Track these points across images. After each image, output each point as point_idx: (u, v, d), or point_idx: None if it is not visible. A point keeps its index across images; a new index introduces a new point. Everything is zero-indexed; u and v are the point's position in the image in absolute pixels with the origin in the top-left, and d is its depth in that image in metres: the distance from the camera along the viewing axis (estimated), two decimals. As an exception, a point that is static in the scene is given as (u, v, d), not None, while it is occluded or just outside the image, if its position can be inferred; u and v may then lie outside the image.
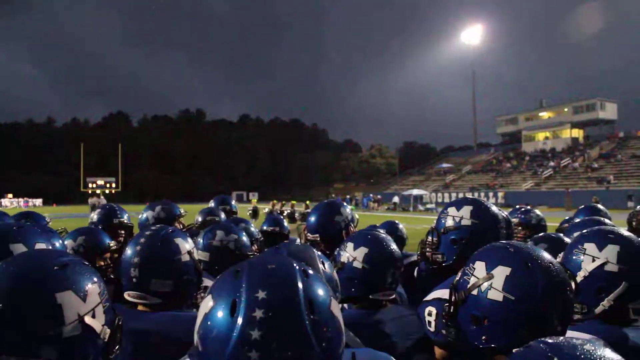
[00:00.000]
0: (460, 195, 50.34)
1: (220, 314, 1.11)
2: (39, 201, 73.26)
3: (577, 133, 67.21)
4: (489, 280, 1.63)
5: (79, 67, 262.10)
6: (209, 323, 1.13)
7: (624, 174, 48.68)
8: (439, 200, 53.63)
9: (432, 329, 1.86)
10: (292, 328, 1.09)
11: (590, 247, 2.07)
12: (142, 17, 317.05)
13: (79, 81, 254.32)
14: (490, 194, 50.48)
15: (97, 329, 1.36)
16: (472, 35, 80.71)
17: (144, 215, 4.26)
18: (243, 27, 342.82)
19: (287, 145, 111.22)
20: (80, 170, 70.77)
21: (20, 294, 1.27)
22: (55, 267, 1.34)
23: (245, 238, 3.33)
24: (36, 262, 1.37)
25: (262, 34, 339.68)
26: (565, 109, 68.99)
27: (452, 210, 2.67)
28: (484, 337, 1.63)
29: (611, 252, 2.02)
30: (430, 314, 1.87)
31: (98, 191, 63.74)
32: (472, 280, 1.68)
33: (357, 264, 2.51)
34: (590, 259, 2.05)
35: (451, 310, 1.72)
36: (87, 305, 1.34)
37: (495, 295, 1.61)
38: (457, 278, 1.80)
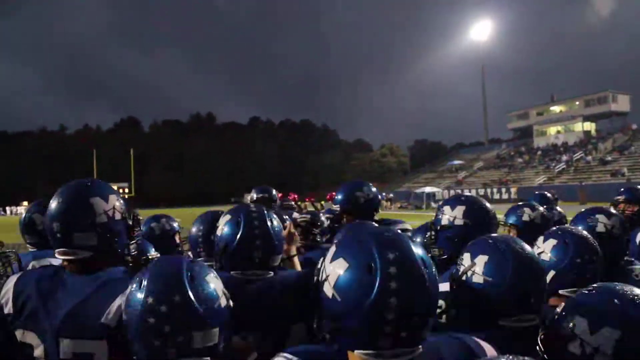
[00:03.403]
0: (473, 191, 50.26)
1: (357, 273, 1.37)
2: (53, 208, 73.72)
3: (590, 126, 66.70)
4: (473, 268, 1.99)
5: (87, 73, 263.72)
6: (347, 280, 1.38)
7: (639, 167, 48.30)
8: (452, 197, 53.47)
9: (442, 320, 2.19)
10: (416, 278, 1.37)
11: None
12: (145, 20, 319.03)
13: (87, 88, 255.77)
14: (503, 190, 50.23)
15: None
16: (481, 31, 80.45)
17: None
18: (248, 27, 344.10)
19: (297, 146, 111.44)
20: (93, 177, 71.30)
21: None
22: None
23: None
24: None
25: (268, 34, 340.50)
26: (577, 103, 68.52)
27: (447, 210, 2.86)
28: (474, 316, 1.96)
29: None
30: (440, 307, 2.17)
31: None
32: (461, 268, 2.04)
33: None
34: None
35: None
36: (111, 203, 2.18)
37: (478, 279, 1.96)
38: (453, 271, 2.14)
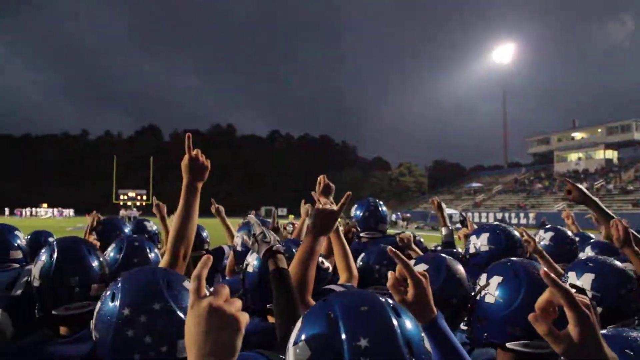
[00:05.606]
0: (491, 215, 49.76)
1: None
2: (71, 211, 74.88)
3: (611, 154, 66.00)
4: (487, 287, 2.00)
5: (109, 80, 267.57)
6: None
7: (660, 197, 47.59)
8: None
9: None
10: None
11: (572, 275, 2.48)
12: (168, 29, 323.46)
13: (109, 94, 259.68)
14: (521, 215, 49.74)
15: None
16: (503, 53, 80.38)
17: None
18: (270, 41, 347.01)
19: (316, 162, 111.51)
20: (112, 182, 71.92)
21: None
22: None
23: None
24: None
25: (290, 49, 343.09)
26: (599, 130, 67.91)
27: (473, 238, 3.10)
28: (485, 334, 1.97)
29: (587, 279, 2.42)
30: None
31: (129, 203, 64.81)
32: (477, 288, 2.07)
33: None
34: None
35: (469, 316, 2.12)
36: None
37: (490, 298, 1.97)
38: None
